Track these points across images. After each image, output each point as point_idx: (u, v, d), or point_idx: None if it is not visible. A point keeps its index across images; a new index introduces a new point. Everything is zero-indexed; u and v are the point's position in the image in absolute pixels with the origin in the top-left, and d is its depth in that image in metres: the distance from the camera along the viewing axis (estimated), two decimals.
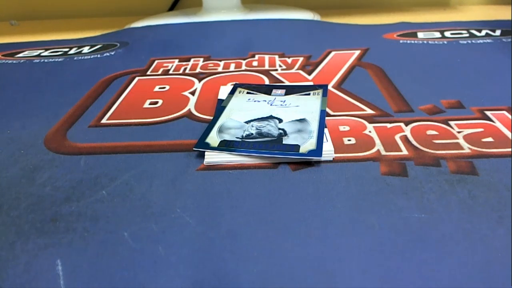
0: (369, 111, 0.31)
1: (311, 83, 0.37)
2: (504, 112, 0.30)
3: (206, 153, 0.25)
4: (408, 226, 0.19)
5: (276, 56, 0.45)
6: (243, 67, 0.42)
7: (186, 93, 0.36)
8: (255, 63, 0.43)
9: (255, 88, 0.35)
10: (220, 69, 0.42)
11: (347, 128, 0.28)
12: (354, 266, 0.17)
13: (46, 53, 0.51)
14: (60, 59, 0.48)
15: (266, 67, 0.42)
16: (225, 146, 0.25)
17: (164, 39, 0.55)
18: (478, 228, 0.19)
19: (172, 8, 0.78)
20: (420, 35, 0.52)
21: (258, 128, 0.27)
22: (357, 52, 0.46)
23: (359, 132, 0.28)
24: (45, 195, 0.23)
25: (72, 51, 0.52)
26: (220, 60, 0.45)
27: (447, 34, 0.52)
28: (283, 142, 0.25)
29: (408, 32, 0.53)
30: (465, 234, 0.19)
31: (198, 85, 0.38)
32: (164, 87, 0.38)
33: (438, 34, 0.52)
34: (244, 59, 0.45)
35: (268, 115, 0.29)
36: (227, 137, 0.26)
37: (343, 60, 0.43)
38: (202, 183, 0.23)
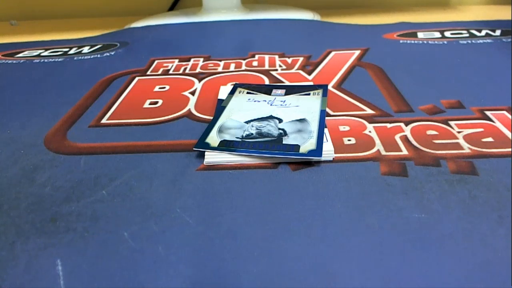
0: (369, 111, 0.31)
1: (311, 83, 0.37)
2: (504, 112, 0.30)
3: (206, 153, 0.25)
4: (408, 226, 0.19)
5: (276, 56, 0.45)
6: (243, 67, 0.42)
7: (186, 93, 0.36)
8: (255, 63, 0.43)
9: (255, 88, 0.35)
10: (220, 69, 0.42)
11: (347, 128, 0.28)
12: (354, 266, 0.17)
13: (46, 53, 0.51)
14: (60, 59, 0.48)
15: (266, 67, 0.42)
16: (225, 146, 0.25)
17: (164, 39, 0.55)
18: (478, 228, 0.19)
19: (172, 8, 0.78)
20: (420, 35, 0.52)
21: (258, 128, 0.27)
22: (357, 52, 0.46)
23: (359, 132, 0.28)
24: (45, 195, 0.23)
25: (72, 51, 0.52)
26: (220, 60, 0.45)
27: (447, 34, 0.52)
28: (283, 142, 0.25)
29: (408, 32, 0.53)
30: (465, 234, 0.19)
31: (198, 85, 0.38)
32: (164, 87, 0.38)
33: (438, 34, 0.52)
34: (244, 59, 0.45)
35: (268, 115, 0.29)
36: (227, 137, 0.26)
37: (343, 60, 0.43)
38: (202, 183, 0.23)
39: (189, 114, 0.32)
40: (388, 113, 0.30)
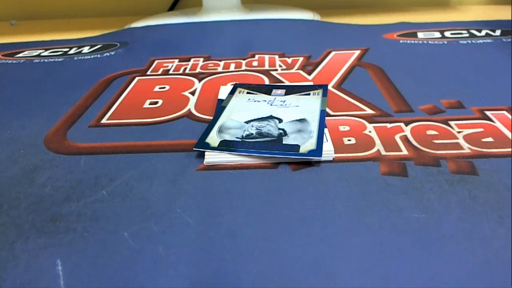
0: (369, 111, 0.31)
1: (311, 83, 0.37)
2: (504, 112, 0.30)
3: (206, 153, 0.25)
4: (408, 226, 0.19)
5: (276, 56, 0.45)
6: (243, 67, 0.42)
7: (186, 93, 0.36)
8: (255, 63, 0.43)
9: (255, 88, 0.35)
10: (220, 69, 0.42)
11: (347, 128, 0.28)
12: (354, 266, 0.17)
13: (46, 53, 0.51)
14: (60, 59, 0.48)
15: (266, 67, 0.42)
16: (225, 146, 0.25)
17: (164, 39, 0.55)
18: (478, 228, 0.19)
19: (172, 8, 0.78)
20: (420, 35, 0.52)
21: (258, 128, 0.27)
22: (357, 52, 0.46)
23: (359, 132, 0.28)
24: (45, 195, 0.23)
25: (72, 51, 0.52)
26: (220, 60, 0.45)
27: (447, 34, 0.52)
28: (283, 142, 0.25)
29: (408, 32, 0.53)
30: (465, 234, 0.19)
31: (198, 85, 0.38)
32: (164, 87, 0.38)
33: (438, 34, 0.52)
34: (244, 59, 0.45)
35: (268, 115, 0.29)
36: (227, 137, 0.26)
37: (343, 60, 0.43)
38: (202, 183, 0.23)
39: (189, 114, 0.32)
40: (388, 113, 0.30)
